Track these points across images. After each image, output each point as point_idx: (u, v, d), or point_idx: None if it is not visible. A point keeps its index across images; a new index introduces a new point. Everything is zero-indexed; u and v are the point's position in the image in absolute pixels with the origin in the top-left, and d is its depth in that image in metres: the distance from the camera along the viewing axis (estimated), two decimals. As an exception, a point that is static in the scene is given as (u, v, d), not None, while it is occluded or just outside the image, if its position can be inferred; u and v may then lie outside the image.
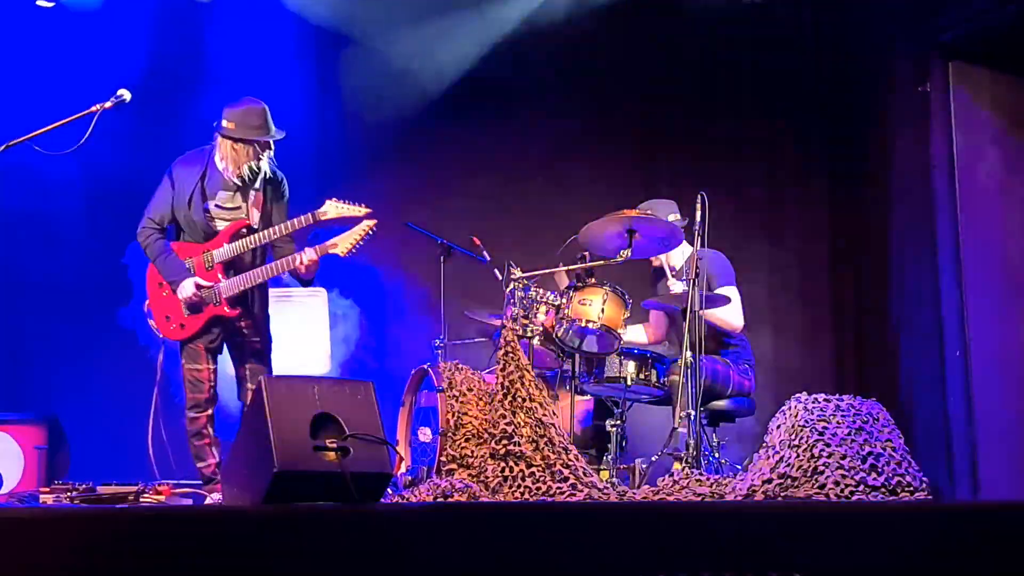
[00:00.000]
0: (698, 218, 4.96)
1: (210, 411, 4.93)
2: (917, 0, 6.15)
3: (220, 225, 4.89)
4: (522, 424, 4.30)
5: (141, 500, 4.49)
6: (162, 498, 4.50)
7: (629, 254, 4.95)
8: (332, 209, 4.79)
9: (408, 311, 6.60)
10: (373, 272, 6.66)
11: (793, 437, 4.15)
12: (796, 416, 4.21)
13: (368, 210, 4.80)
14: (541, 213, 6.77)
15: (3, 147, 4.36)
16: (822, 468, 4.02)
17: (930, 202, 6.02)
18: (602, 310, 4.96)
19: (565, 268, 5.11)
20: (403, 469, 4.96)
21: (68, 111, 4.58)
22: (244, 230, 4.88)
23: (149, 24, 6.64)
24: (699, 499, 4.12)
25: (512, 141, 6.88)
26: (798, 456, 4.09)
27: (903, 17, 6.24)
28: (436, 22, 6.90)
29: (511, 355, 4.43)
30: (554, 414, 4.41)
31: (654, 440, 5.37)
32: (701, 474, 4.37)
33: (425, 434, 4.95)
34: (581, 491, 4.13)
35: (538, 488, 4.17)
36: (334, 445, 3.44)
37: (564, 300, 5.00)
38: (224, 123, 4.82)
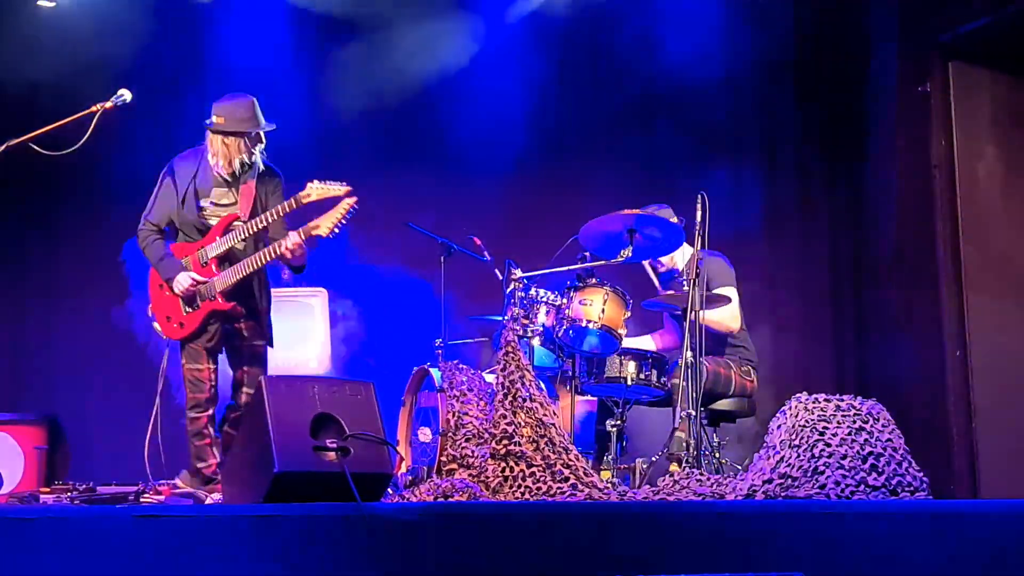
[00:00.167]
0: (698, 218, 4.96)
1: (211, 411, 4.93)
2: (917, 0, 6.15)
3: (215, 223, 4.91)
4: (522, 424, 4.30)
5: (141, 500, 4.49)
6: (162, 498, 4.51)
7: (629, 254, 4.95)
8: (315, 191, 4.75)
9: (408, 311, 6.59)
10: (373, 272, 6.66)
11: (793, 437, 4.15)
12: (796, 416, 4.21)
13: (348, 188, 4.74)
14: (541, 213, 6.77)
15: (3, 147, 4.36)
16: (822, 468, 4.02)
17: (930, 202, 6.02)
18: (602, 310, 4.96)
19: (565, 268, 5.10)
20: (403, 469, 4.96)
21: (68, 111, 4.58)
22: (235, 223, 4.89)
23: (149, 24, 6.65)
24: (699, 499, 4.12)
25: (513, 140, 6.88)
26: (798, 456, 4.09)
27: (903, 17, 6.24)
28: (436, 19, 6.90)
29: (511, 355, 4.43)
30: (554, 414, 4.40)
31: (654, 440, 5.37)
32: (701, 474, 4.37)
33: (425, 434, 4.95)
34: (581, 491, 4.12)
35: (538, 488, 4.17)
36: (334, 445, 3.44)
37: (564, 300, 5.00)
38: (213, 118, 4.83)
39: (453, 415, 4.70)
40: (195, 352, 4.89)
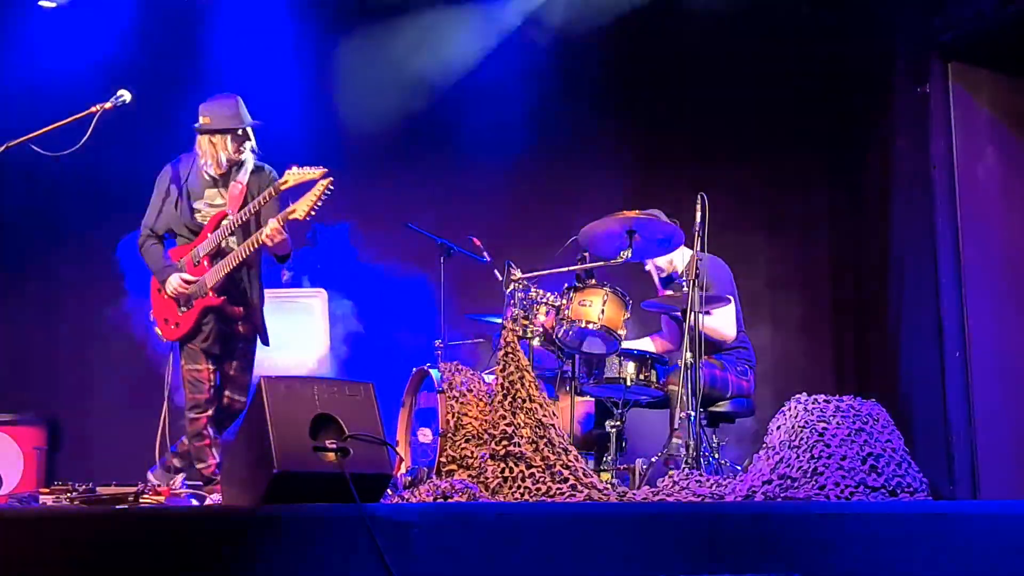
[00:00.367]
0: (698, 219, 4.96)
1: (210, 412, 4.94)
2: (917, 0, 6.15)
3: (207, 223, 4.94)
4: (522, 425, 4.30)
5: (141, 501, 4.49)
6: (162, 498, 4.51)
7: (629, 255, 4.95)
8: (292, 176, 4.76)
9: (408, 311, 6.60)
10: (373, 272, 6.66)
11: (793, 438, 4.15)
12: (796, 417, 4.21)
13: (324, 170, 4.73)
14: (541, 213, 6.76)
15: (3, 147, 4.37)
16: (822, 469, 4.02)
17: (930, 202, 6.01)
18: (602, 311, 4.95)
19: (565, 269, 5.10)
20: (403, 470, 4.96)
21: (68, 111, 4.59)
22: (224, 220, 4.91)
23: (149, 24, 6.65)
24: (699, 500, 4.12)
25: (513, 140, 6.88)
26: (798, 457, 4.09)
27: (903, 17, 6.24)
28: (437, 19, 6.90)
29: (511, 356, 4.43)
30: (554, 415, 4.40)
31: (654, 441, 5.37)
32: (701, 475, 4.37)
33: (425, 435, 4.95)
34: (581, 492, 4.12)
35: (538, 489, 4.17)
36: (334, 446, 3.44)
37: (564, 301, 5.00)
38: (200, 119, 4.91)
39: (452, 416, 4.70)
40: (194, 353, 4.91)
